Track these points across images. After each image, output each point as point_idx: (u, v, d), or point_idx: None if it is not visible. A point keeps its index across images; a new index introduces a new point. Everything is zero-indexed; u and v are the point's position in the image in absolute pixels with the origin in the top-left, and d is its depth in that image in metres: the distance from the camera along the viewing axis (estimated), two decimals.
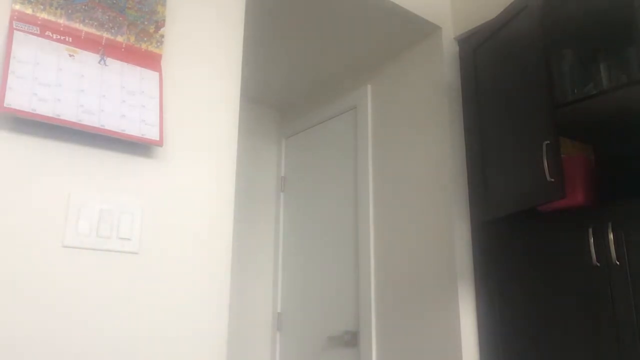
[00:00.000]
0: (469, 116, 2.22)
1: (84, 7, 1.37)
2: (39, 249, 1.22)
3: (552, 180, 1.68)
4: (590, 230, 1.72)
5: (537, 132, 1.78)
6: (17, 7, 1.27)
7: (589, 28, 1.95)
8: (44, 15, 1.30)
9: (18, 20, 1.26)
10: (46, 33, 1.30)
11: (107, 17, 1.40)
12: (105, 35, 1.39)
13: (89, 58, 1.35)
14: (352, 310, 2.50)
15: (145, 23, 1.46)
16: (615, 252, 1.66)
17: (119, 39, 1.41)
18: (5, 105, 1.18)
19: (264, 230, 3.10)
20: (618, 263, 1.65)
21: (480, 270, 2.09)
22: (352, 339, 2.46)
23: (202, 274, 1.45)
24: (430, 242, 2.19)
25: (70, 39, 1.33)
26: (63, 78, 1.29)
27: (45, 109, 1.23)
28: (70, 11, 1.35)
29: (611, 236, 1.67)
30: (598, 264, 1.69)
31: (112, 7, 1.42)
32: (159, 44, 1.48)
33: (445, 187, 2.18)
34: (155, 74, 1.44)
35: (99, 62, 1.36)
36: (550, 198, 1.73)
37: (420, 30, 2.35)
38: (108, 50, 1.38)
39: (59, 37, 1.31)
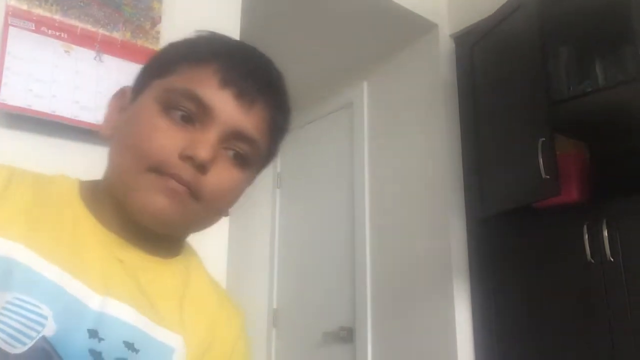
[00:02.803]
0: (465, 113, 2.22)
1: (79, 3, 1.36)
2: None
3: (547, 177, 1.68)
4: (585, 227, 1.73)
5: (533, 129, 1.78)
6: (13, 2, 1.27)
7: (585, 26, 1.96)
8: (39, 11, 1.30)
9: (13, 16, 1.26)
10: (41, 29, 1.29)
11: (102, 14, 1.40)
12: (101, 31, 1.39)
13: (85, 54, 1.34)
14: (348, 306, 2.51)
15: (141, 19, 1.46)
16: (610, 248, 1.67)
17: (115, 35, 1.41)
18: (0, 101, 1.18)
19: (260, 226, 3.10)
20: (612, 259, 1.66)
21: (475, 266, 2.09)
22: (347, 335, 2.46)
23: None
24: (426, 239, 2.20)
25: (66, 35, 1.33)
26: (58, 74, 1.28)
27: (41, 105, 1.23)
28: (65, 7, 1.34)
29: (606, 233, 1.68)
30: (592, 261, 1.70)
31: (107, 4, 1.41)
32: (155, 40, 1.47)
33: (441, 184, 2.18)
34: None
35: (95, 59, 1.36)
36: (545, 195, 1.73)
37: (416, 27, 2.35)
38: (104, 46, 1.38)
39: (54, 33, 1.31)
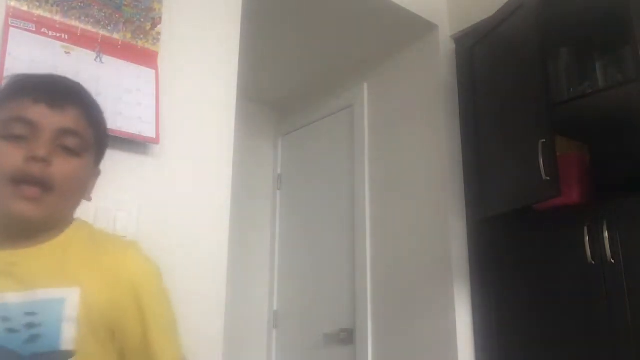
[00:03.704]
0: (466, 114, 2.22)
1: (80, 4, 1.36)
2: None
3: (548, 178, 1.68)
4: (586, 229, 1.72)
5: (533, 130, 1.78)
6: (13, 3, 1.27)
7: (585, 27, 1.96)
8: (39, 12, 1.30)
9: (14, 17, 1.26)
10: (42, 30, 1.29)
11: (103, 14, 1.40)
12: (102, 32, 1.39)
13: (85, 55, 1.34)
14: (349, 308, 2.51)
15: (142, 20, 1.46)
16: (610, 250, 1.66)
17: (115, 36, 1.41)
18: None
19: (261, 227, 3.09)
20: (613, 261, 1.66)
21: (476, 268, 2.09)
22: (348, 337, 2.46)
23: (198, 271, 1.45)
24: (426, 240, 2.20)
25: (66, 36, 1.33)
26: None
27: None
28: (66, 8, 1.34)
29: (606, 234, 1.68)
30: (593, 262, 1.70)
31: (108, 4, 1.41)
32: (155, 41, 1.47)
33: (442, 185, 2.18)
34: (152, 72, 1.44)
35: (95, 60, 1.36)
36: (546, 196, 1.73)
37: (416, 28, 2.35)
38: (104, 47, 1.38)
39: (54, 34, 1.31)
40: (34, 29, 1.28)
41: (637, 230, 1.64)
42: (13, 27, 1.25)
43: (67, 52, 1.31)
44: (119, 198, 1.34)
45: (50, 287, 0.80)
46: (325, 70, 2.80)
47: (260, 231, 3.08)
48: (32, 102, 0.81)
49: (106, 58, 1.37)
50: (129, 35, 1.43)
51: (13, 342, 0.76)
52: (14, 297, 0.78)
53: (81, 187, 0.87)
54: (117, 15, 1.42)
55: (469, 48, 2.21)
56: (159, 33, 1.49)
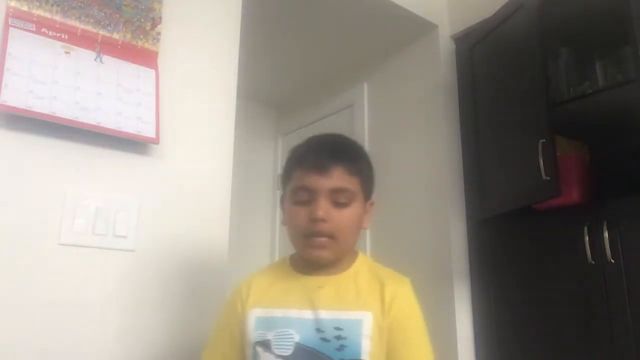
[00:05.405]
0: (466, 114, 2.22)
1: (80, 4, 1.36)
2: (35, 246, 1.21)
3: (548, 178, 1.68)
4: (586, 229, 1.72)
5: (533, 130, 1.78)
6: (13, 3, 1.27)
7: (585, 27, 1.95)
8: (39, 12, 1.30)
9: (14, 17, 1.26)
10: (42, 30, 1.29)
11: (103, 14, 1.40)
12: (102, 32, 1.39)
13: (85, 55, 1.34)
14: None
15: (142, 20, 1.46)
16: (610, 250, 1.66)
17: (115, 36, 1.41)
18: (0, 102, 1.18)
19: (260, 228, 3.09)
20: (613, 261, 1.66)
21: (476, 268, 2.09)
22: None
23: (199, 272, 1.45)
24: (426, 240, 2.20)
25: (66, 36, 1.33)
26: (59, 75, 1.28)
27: (41, 106, 1.23)
28: (66, 8, 1.34)
29: (606, 234, 1.68)
30: (593, 262, 1.70)
31: (108, 4, 1.41)
32: (155, 41, 1.47)
33: (442, 185, 2.18)
34: (152, 72, 1.44)
35: (95, 60, 1.36)
36: (546, 196, 1.73)
37: (416, 28, 2.35)
38: (104, 47, 1.38)
39: (54, 34, 1.31)
40: (34, 29, 1.28)
41: (637, 230, 1.64)
42: (13, 27, 1.25)
43: (67, 52, 1.31)
44: (119, 198, 1.34)
45: (351, 310, 1.03)
46: (325, 70, 2.80)
47: (260, 231, 3.08)
48: (306, 172, 1.05)
49: (106, 58, 1.37)
50: (128, 35, 1.43)
51: (327, 349, 0.99)
52: (325, 314, 1.02)
53: (356, 227, 1.08)
54: (117, 15, 1.42)
55: (469, 48, 2.21)
56: (159, 33, 1.49)
